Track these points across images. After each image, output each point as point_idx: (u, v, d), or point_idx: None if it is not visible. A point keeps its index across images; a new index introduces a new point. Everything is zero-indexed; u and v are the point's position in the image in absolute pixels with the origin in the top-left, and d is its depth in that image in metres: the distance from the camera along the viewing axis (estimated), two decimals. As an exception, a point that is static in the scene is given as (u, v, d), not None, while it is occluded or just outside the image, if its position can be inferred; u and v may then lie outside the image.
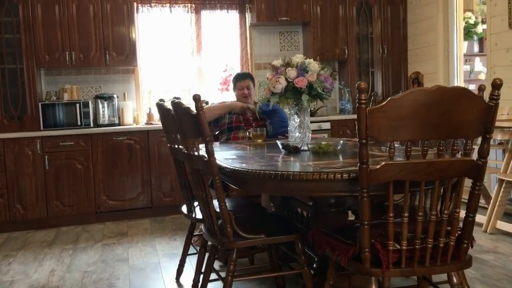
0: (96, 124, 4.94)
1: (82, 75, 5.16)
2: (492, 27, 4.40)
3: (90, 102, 4.88)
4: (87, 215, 4.68)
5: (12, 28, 4.65)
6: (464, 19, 5.40)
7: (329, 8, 5.43)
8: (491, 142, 1.76)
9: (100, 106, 4.93)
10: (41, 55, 4.71)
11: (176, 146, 2.59)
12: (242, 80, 3.84)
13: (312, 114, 5.22)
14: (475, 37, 5.91)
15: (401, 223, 1.69)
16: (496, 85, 1.65)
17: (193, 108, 2.11)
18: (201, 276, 2.54)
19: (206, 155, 2.06)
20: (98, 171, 4.68)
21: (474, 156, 1.72)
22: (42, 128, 4.68)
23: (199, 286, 2.53)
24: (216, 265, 3.08)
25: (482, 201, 4.04)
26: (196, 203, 2.72)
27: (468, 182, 1.75)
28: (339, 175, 1.79)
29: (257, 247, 3.01)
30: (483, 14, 5.69)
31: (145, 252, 3.70)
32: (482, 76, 5.87)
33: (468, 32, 5.72)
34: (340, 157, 2.35)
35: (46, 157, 4.54)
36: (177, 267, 3.09)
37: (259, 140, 3.26)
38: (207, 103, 4.48)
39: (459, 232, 1.80)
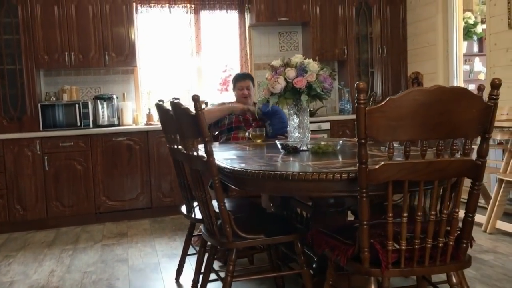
0: (96, 125, 4.94)
1: (82, 75, 5.16)
2: (492, 27, 4.41)
3: (89, 102, 4.88)
4: (87, 215, 4.68)
5: (11, 29, 4.65)
6: (463, 19, 5.41)
7: (328, 8, 5.43)
8: (491, 142, 1.77)
9: (100, 106, 4.93)
10: (40, 56, 4.71)
11: (176, 146, 2.59)
12: (242, 80, 3.83)
13: (312, 114, 5.22)
14: (475, 37, 5.91)
15: (400, 223, 1.69)
16: (495, 85, 1.65)
17: (192, 108, 2.11)
18: (201, 276, 2.54)
19: (205, 156, 2.06)
20: (97, 171, 4.68)
21: (474, 156, 1.72)
22: (41, 128, 4.68)
23: (199, 287, 2.53)
24: (216, 265, 3.08)
25: (481, 201, 4.04)
26: (195, 204, 2.72)
27: (467, 182, 1.75)
28: (338, 175, 1.79)
29: (256, 247, 3.01)
30: (482, 14, 5.69)
31: (144, 253, 3.70)
32: (482, 76, 5.87)
33: (468, 32, 5.72)
34: (340, 157, 2.35)
35: (46, 158, 4.54)
36: (176, 267, 3.09)
37: (259, 141, 3.26)
38: (206, 103, 4.49)
39: (458, 232, 1.80)
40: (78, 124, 4.80)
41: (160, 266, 3.38)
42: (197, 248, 2.83)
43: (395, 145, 1.72)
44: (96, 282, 3.11)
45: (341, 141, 2.64)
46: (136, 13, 5.14)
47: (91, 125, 4.85)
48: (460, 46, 5.08)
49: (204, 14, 5.41)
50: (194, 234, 3.01)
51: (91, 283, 3.09)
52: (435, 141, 1.71)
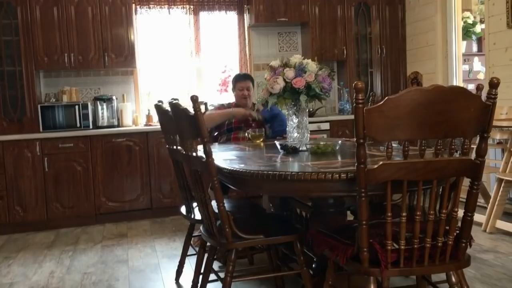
0: (95, 126, 4.94)
1: (81, 77, 5.16)
2: (491, 26, 4.41)
3: (89, 103, 4.88)
4: (87, 216, 4.68)
5: (10, 31, 4.65)
6: (462, 18, 5.41)
7: (327, 9, 5.42)
8: (490, 141, 1.77)
9: (99, 107, 4.93)
10: (40, 57, 4.71)
11: (175, 147, 2.59)
12: (242, 81, 3.83)
13: (311, 114, 5.23)
14: (474, 37, 5.92)
15: (400, 222, 1.69)
16: (494, 84, 1.66)
17: (191, 109, 2.11)
18: (200, 276, 2.54)
19: (204, 156, 2.06)
20: (97, 172, 4.68)
21: (473, 155, 1.72)
22: (41, 130, 4.68)
23: (198, 287, 2.53)
24: (216, 265, 3.08)
25: (481, 201, 4.04)
26: (195, 204, 2.72)
27: (466, 182, 1.75)
28: (337, 175, 1.79)
29: (256, 248, 3.01)
30: (481, 13, 5.69)
31: (144, 253, 3.70)
32: (481, 76, 5.88)
33: (467, 32, 5.73)
34: (339, 157, 2.36)
35: (46, 159, 4.54)
36: (176, 268, 3.09)
37: (258, 141, 3.26)
38: (205, 104, 4.49)
39: (458, 232, 1.80)
40: (78, 125, 4.80)
41: (160, 266, 3.38)
42: (197, 249, 2.83)
43: (394, 145, 1.73)
44: (96, 283, 3.11)
45: (340, 141, 2.64)
46: (136, 14, 5.15)
47: (91, 126, 4.85)
48: (459, 46, 5.08)
49: (203, 15, 5.41)
50: (193, 234, 3.01)
51: (91, 284, 3.09)
52: (434, 141, 1.71)
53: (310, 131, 2.94)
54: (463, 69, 5.37)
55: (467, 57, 5.89)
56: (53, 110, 4.74)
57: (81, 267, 3.45)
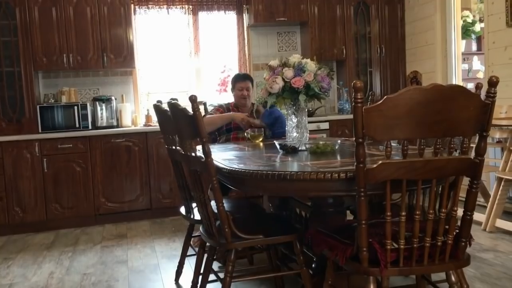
0: (95, 126, 4.93)
1: (80, 77, 5.16)
2: (490, 25, 4.41)
3: (88, 104, 4.88)
4: (86, 217, 4.67)
5: (9, 31, 4.65)
6: (461, 17, 5.41)
7: (326, 8, 5.42)
8: (490, 140, 1.76)
9: (98, 108, 4.93)
10: (38, 58, 4.71)
11: (174, 147, 2.59)
12: (242, 81, 3.83)
13: (311, 114, 5.22)
14: (473, 36, 5.91)
15: (399, 222, 1.69)
16: (493, 83, 1.65)
17: (189, 109, 2.10)
18: (200, 277, 2.54)
19: (203, 156, 2.06)
20: (96, 173, 4.68)
21: (472, 154, 1.72)
22: (40, 130, 4.68)
23: (198, 287, 2.53)
24: (215, 266, 3.08)
25: (481, 200, 4.04)
26: (194, 204, 2.72)
27: (465, 181, 1.75)
28: (337, 175, 1.78)
29: (256, 248, 3.00)
30: (480, 12, 5.69)
31: (144, 254, 3.70)
32: (481, 75, 5.87)
33: (466, 31, 5.73)
34: (338, 157, 2.35)
35: (45, 160, 4.54)
36: (176, 268, 3.09)
37: (257, 141, 3.26)
38: (204, 104, 4.49)
39: (457, 231, 1.80)
40: (77, 125, 4.79)
41: (159, 267, 3.38)
42: (196, 249, 2.83)
43: (393, 144, 1.72)
44: (95, 284, 3.10)
45: (339, 141, 2.64)
46: (134, 14, 5.14)
47: (90, 127, 4.84)
48: (458, 45, 5.08)
49: (202, 15, 5.40)
50: (193, 235, 3.01)
51: (90, 285, 3.09)
52: (433, 140, 1.71)
53: (310, 130, 2.94)
54: (462, 68, 5.37)
55: (467, 56, 5.89)
56: (52, 110, 4.74)
57: (81, 268, 3.45)
